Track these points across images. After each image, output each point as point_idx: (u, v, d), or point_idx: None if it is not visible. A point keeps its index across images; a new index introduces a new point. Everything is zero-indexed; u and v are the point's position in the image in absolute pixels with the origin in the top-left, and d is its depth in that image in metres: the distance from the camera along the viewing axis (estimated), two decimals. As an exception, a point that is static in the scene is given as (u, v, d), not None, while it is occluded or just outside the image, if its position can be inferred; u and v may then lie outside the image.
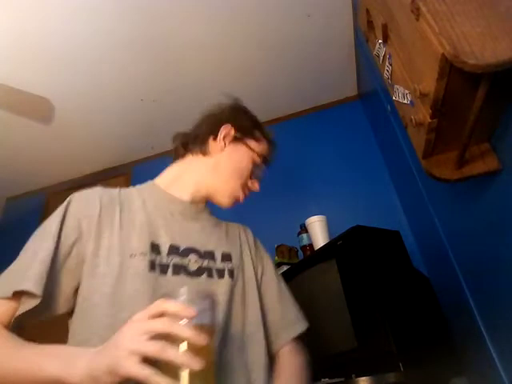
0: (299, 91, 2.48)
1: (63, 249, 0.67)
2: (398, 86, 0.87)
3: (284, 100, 2.54)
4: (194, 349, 0.46)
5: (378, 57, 0.95)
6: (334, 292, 1.19)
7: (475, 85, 0.62)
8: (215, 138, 0.91)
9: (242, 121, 0.94)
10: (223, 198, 0.89)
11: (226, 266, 0.81)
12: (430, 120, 0.71)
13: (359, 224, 1.22)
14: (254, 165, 0.92)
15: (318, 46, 2.16)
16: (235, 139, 0.91)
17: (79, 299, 0.68)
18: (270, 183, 2.29)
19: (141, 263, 0.70)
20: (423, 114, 0.73)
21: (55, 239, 0.66)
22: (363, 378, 1.06)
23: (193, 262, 0.77)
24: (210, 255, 0.81)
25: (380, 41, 0.89)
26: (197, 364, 0.44)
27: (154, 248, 0.74)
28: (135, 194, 0.84)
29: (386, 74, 0.93)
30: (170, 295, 0.51)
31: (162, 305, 0.48)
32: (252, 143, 0.93)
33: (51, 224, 0.70)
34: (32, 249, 0.67)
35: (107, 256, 0.69)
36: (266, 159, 0.96)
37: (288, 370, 0.82)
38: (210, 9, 1.86)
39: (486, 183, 0.88)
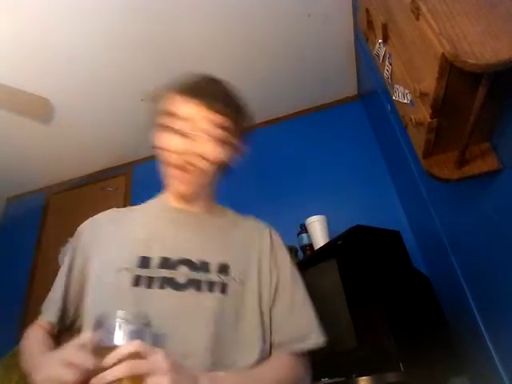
0: (299, 91, 2.48)
1: (74, 279, 0.80)
2: (397, 86, 0.87)
3: (284, 100, 2.54)
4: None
5: (378, 56, 0.95)
6: (334, 292, 1.19)
7: (475, 84, 0.62)
8: None
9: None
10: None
11: (220, 279, 0.76)
12: (429, 120, 0.71)
13: (359, 224, 1.22)
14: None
15: (317, 46, 2.16)
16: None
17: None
18: (270, 183, 2.33)
19: (124, 278, 0.72)
20: (423, 113, 0.73)
21: (68, 273, 0.80)
22: (363, 377, 1.06)
23: (182, 274, 0.74)
24: (204, 266, 0.77)
25: (380, 40, 0.90)
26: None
27: (143, 262, 0.74)
28: (139, 209, 0.88)
29: (385, 74, 0.93)
30: (103, 319, 0.55)
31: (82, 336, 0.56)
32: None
33: (66, 258, 0.83)
34: (56, 283, 0.82)
35: (99, 274, 0.75)
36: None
37: (275, 364, 0.73)
38: (210, 9, 1.86)
39: (487, 183, 0.88)
